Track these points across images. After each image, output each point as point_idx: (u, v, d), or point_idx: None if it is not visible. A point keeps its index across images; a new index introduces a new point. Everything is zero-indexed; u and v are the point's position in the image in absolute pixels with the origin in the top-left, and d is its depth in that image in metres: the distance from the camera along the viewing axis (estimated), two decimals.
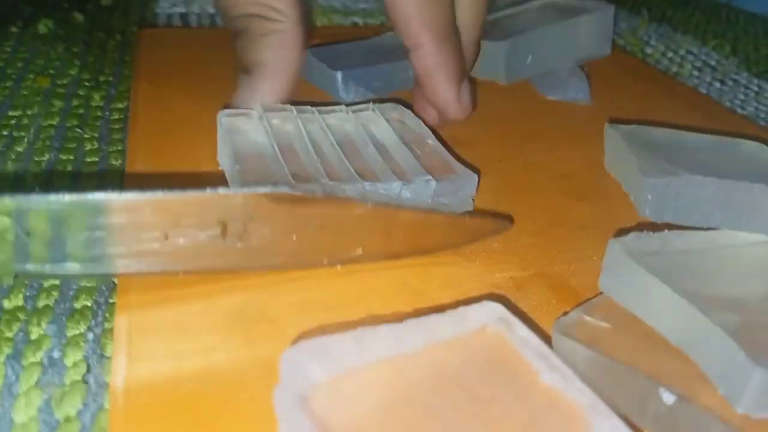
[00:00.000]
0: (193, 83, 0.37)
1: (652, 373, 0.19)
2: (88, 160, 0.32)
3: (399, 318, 0.19)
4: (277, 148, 0.27)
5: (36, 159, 0.32)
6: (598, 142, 0.34)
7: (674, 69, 0.51)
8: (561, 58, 0.43)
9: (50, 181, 0.30)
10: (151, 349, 0.20)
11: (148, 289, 0.23)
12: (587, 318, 0.22)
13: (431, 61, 0.31)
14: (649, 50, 0.54)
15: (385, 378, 0.18)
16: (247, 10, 0.30)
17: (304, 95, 0.36)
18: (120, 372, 0.20)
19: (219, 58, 0.38)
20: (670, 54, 0.54)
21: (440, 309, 0.20)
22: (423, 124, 0.31)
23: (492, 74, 0.42)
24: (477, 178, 0.27)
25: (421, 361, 0.19)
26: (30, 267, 0.20)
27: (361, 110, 0.31)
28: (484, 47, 0.41)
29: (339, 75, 0.37)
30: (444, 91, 0.32)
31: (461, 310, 0.20)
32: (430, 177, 0.26)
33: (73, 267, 0.20)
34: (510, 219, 0.28)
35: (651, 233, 0.23)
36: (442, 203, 0.27)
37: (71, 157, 0.32)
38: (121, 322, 0.21)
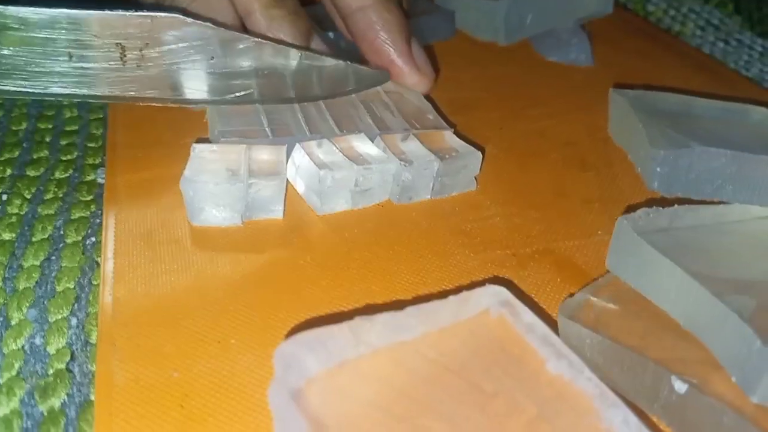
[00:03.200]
0: None
1: (662, 359, 0.18)
2: (68, 129, 0.31)
3: (398, 306, 0.18)
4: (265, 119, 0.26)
5: (13, 128, 0.30)
6: (601, 106, 0.33)
7: (677, 28, 0.50)
8: (562, 17, 0.41)
9: (29, 150, 0.29)
10: (138, 338, 0.19)
11: (134, 274, 0.21)
12: (594, 299, 0.21)
13: (378, 19, 0.28)
14: (650, 8, 0.52)
15: (383, 370, 0.17)
16: None
17: None
18: (106, 362, 0.19)
19: None
20: (672, 12, 0.52)
21: (441, 294, 0.19)
22: (422, 97, 0.29)
23: (490, 34, 0.40)
24: (481, 156, 0.26)
25: (420, 350, 0.18)
26: None
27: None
28: (483, 6, 0.40)
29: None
30: (396, 49, 0.29)
31: (463, 294, 0.19)
32: (433, 157, 0.25)
33: None
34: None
35: (660, 209, 0.22)
36: (443, 183, 0.26)
37: (49, 126, 0.31)
38: (106, 307, 0.20)
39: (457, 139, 0.27)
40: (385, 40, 0.29)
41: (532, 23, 0.40)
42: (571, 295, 0.21)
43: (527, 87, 0.36)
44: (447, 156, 0.26)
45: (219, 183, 0.23)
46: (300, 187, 0.25)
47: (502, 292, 0.19)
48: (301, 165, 0.25)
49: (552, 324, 0.20)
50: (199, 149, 0.24)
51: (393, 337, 0.17)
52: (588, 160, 0.30)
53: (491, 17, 0.40)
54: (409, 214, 0.25)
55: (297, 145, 0.25)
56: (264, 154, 0.25)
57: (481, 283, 0.21)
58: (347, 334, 0.17)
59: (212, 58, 0.25)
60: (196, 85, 0.25)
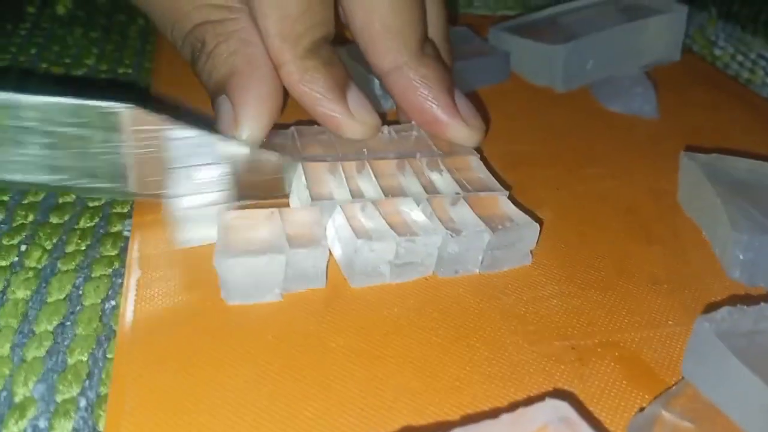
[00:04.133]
0: None
1: None
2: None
3: (442, 428, 0.15)
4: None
5: None
6: (668, 166, 0.30)
7: (745, 75, 0.46)
8: (625, 64, 0.38)
9: (55, 194, 0.27)
10: (148, 429, 0.17)
11: (150, 354, 0.20)
12: (667, 415, 0.18)
13: (416, 76, 0.27)
14: (718, 52, 0.49)
15: None
16: (191, 22, 0.26)
17: None
18: None
19: None
20: (740, 57, 0.49)
21: (493, 411, 0.16)
22: (477, 158, 0.27)
23: (547, 80, 0.38)
24: (539, 229, 0.24)
25: None
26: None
27: (403, 131, 0.27)
28: (541, 49, 0.37)
29: (376, 81, 0.33)
30: (439, 104, 0.27)
31: (518, 412, 0.16)
32: (484, 227, 0.23)
33: None
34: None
35: (745, 308, 0.19)
36: (494, 256, 0.23)
37: None
38: (116, 393, 0.18)
39: (512, 206, 0.24)
40: (426, 98, 0.27)
41: (592, 69, 0.38)
42: (641, 409, 0.18)
43: (586, 140, 0.34)
44: (500, 226, 0.23)
45: (257, 256, 0.21)
46: (336, 252, 0.23)
47: (563, 407, 0.17)
48: (339, 229, 0.23)
49: None
50: (225, 218, 0.22)
51: None
52: (654, 231, 0.27)
53: (549, 61, 0.37)
54: (456, 291, 0.23)
55: (338, 206, 0.23)
56: (299, 216, 0.23)
57: (537, 384, 0.18)
58: None
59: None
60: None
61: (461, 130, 0.27)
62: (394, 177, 0.25)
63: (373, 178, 0.24)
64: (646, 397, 0.19)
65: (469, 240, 0.23)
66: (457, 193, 0.24)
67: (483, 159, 0.27)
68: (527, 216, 0.24)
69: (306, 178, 0.24)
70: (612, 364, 0.21)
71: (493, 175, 0.26)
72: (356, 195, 0.24)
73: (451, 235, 0.22)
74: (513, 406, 0.16)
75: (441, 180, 0.25)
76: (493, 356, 0.20)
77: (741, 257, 0.22)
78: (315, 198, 0.23)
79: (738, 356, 0.18)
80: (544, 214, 0.27)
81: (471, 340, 0.21)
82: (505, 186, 0.26)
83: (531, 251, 0.24)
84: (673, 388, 0.19)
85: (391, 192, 0.24)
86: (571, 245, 0.26)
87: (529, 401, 0.17)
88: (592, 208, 0.28)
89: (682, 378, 0.20)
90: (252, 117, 0.24)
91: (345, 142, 0.26)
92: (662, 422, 0.18)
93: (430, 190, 0.24)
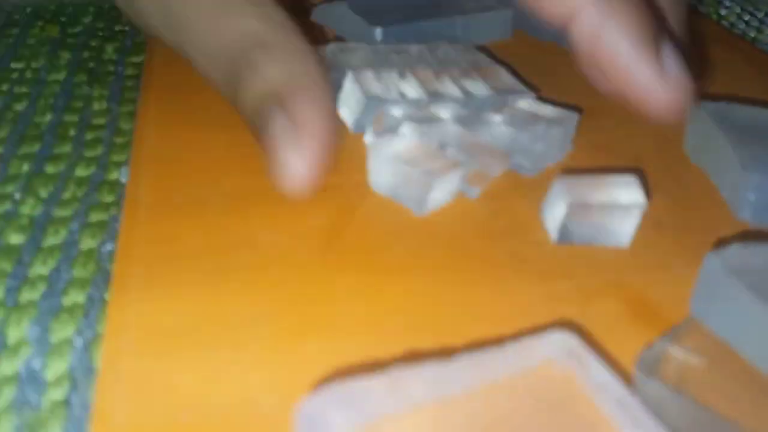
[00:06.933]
0: None
1: None
2: (95, 122, 0.29)
3: (446, 353, 0.15)
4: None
5: (36, 120, 0.28)
6: None
7: (752, 34, 0.46)
8: None
9: (51, 145, 0.27)
10: (146, 367, 0.17)
11: (150, 290, 0.19)
12: (676, 350, 0.18)
13: (599, 20, 0.21)
14: (723, 11, 0.48)
15: (425, 429, 0.14)
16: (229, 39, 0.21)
17: None
18: (107, 396, 0.16)
19: None
20: (747, 17, 0.48)
21: (497, 339, 0.16)
22: (506, 69, 0.29)
23: (551, 36, 0.37)
24: (577, 117, 0.26)
25: (469, 408, 0.15)
26: None
27: (430, 50, 0.29)
28: None
29: (378, 32, 0.33)
30: (628, 58, 0.21)
31: (523, 342, 0.16)
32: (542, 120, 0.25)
33: None
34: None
35: (756, 245, 0.19)
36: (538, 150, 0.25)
37: (75, 119, 0.29)
38: (113, 328, 0.18)
39: (543, 104, 0.27)
40: (615, 47, 0.21)
41: None
42: (649, 345, 0.18)
43: (589, 95, 0.33)
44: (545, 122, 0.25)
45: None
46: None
47: (570, 339, 0.16)
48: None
49: (621, 374, 0.17)
50: None
51: (438, 390, 0.15)
52: (660, 179, 0.26)
53: None
54: (457, 233, 0.22)
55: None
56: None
57: (542, 323, 0.18)
58: (384, 387, 0.14)
59: None
60: None
61: (660, 95, 0.21)
62: (433, 83, 0.27)
63: (416, 83, 0.26)
64: (653, 335, 0.19)
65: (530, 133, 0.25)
66: (495, 95, 0.26)
67: None
68: (562, 109, 0.26)
69: (361, 85, 0.25)
70: (617, 303, 0.20)
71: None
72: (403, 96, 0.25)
73: (517, 131, 0.24)
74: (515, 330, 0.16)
75: (475, 86, 0.27)
76: (495, 296, 0.20)
77: (752, 198, 0.22)
78: (370, 98, 0.24)
79: (753, 292, 0.17)
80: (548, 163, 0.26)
81: (474, 276, 0.21)
82: (533, 89, 0.28)
83: (571, 141, 0.26)
84: (681, 325, 0.19)
85: (434, 95, 0.26)
86: None
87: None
88: (598, 158, 0.28)
89: (689, 317, 0.19)
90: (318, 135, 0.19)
91: (381, 57, 0.28)
92: (671, 357, 0.18)
93: (467, 94, 0.26)
